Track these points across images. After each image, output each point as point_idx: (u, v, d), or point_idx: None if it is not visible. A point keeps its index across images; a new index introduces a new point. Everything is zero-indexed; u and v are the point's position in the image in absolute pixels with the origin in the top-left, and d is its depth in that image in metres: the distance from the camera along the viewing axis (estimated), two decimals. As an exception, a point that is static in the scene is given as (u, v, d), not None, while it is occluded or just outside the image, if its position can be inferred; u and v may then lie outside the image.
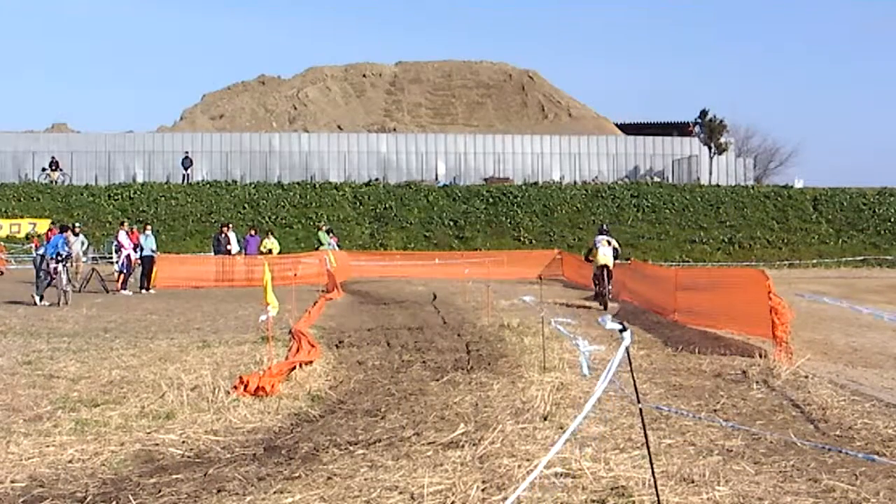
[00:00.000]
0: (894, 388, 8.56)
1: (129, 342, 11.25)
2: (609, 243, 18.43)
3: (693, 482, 4.95)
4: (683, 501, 4.63)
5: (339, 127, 54.05)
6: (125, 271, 21.86)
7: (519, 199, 40.31)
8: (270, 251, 26.35)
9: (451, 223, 39.03)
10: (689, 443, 5.98)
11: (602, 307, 17.26)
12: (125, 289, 21.26)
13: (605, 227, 20.09)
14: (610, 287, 18.11)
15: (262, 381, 7.67)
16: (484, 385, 8.10)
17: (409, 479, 4.95)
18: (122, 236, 22.62)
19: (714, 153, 43.96)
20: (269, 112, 57.02)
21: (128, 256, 21.95)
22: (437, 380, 8.57)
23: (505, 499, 4.63)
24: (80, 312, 15.53)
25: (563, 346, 10.44)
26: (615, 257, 18.57)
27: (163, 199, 39.24)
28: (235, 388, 7.63)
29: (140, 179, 41.93)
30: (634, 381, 4.48)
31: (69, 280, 18.07)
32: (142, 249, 22.00)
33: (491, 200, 40.17)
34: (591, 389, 7.88)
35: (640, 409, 4.50)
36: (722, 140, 44.16)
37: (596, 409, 6.93)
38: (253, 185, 41.01)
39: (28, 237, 35.29)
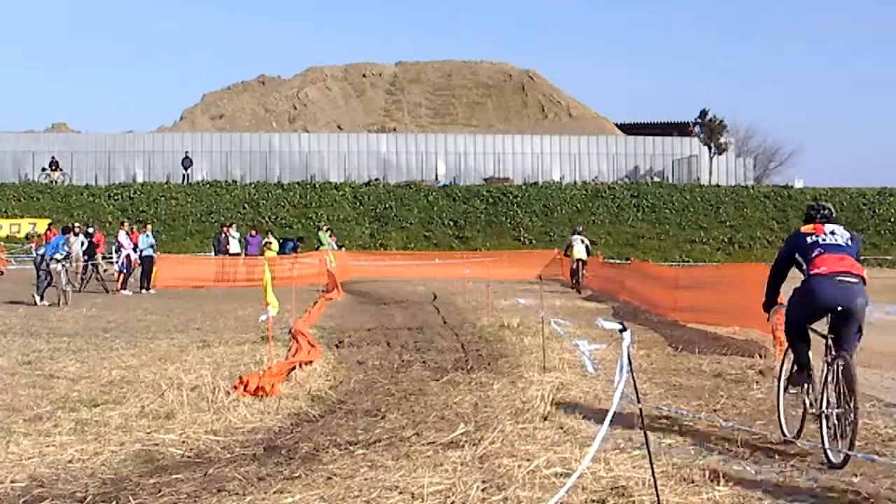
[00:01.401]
0: (894, 388, 8.57)
1: (129, 342, 11.25)
2: (582, 241, 22.90)
3: (693, 482, 4.95)
4: (683, 501, 4.63)
5: (339, 127, 54.05)
6: (125, 271, 21.87)
7: (519, 199, 40.31)
8: (269, 245, 26.52)
9: (451, 223, 39.02)
10: (690, 443, 5.98)
11: (577, 292, 21.59)
12: (125, 289, 21.27)
13: (579, 228, 24.86)
14: (583, 274, 22.64)
15: (262, 381, 7.67)
16: (484, 385, 8.10)
17: (409, 479, 4.95)
18: (122, 236, 22.62)
19: (714, 153, 43.93)
20: (269, 112, 57.01)
21: (128, 256, 21.95)
22: (437, 380, 8.57)
23: (506, 499, 4.63)
24: (80, 312, 15.53)
25: (562, 346, 10.43)
26: (588, 253, 23.10)
27: (163, 199, 39.25)
28: (235, 388, 7.63)
29: (140, 179, 41.92)
30: (634, 381, 4.48)
31: (69, 280, 18.07)
32: (141, 249, 22.00)
33: (491, 200, 40.17)
34: (592, 389, 7.89)
35: (640, 409, 4.50)
36: (722, 140, 44.13)
37: (596, 409, 6.93)
38: (253, 185, 41.01)
39: (28, 237, 35.29)
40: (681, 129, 49.27)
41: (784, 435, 6.01)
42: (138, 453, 5.76)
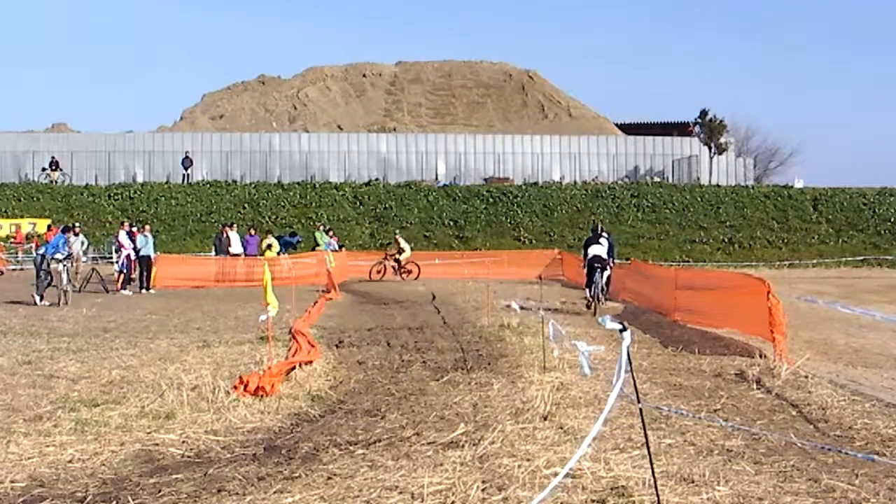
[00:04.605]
0: (894, 388, 8.57)
1: (129, 342, 11.25)
2: (405, 241, 28.30)
3: (693, 482, 4.95)
4: (683, 501, 4.63)
5: (339, 127, 54.04)
6: (125, 271, 21.87)
7: (519, 199, 40.31)
8: (270, 246, 26.53)
9: (451, 223, 39.03)
10: (689, 443, 5.98)
11: (414, 279, 26.57)
12: (125, 289, 21.27)
13: (397, 231, 31.65)
14: (412, 265, 27.65)
15: (262, 381, 7.66)
16: (484, 385, 8.10)
17: (409, 479, 4.95)
18: (123, 236, 22.62)
19: (714, 153, 43.94)
20: (269, 112, 57.00)
21: (128, 256, 21.95)
22: (437, 380, 8.57)
23: (506, 499, 4.63)
24: (80, 312, 15.52)
25: (562, 345, 10.42)
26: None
27: (163, 199, 39.24)
28: (235, 388, 7.62)
29: (140, 179, 41.92)
30: (634, 380, 4.47)
31: (69, 280, 18.07)
32: (138, 250, 22.02)
33: (491, 200, 40.17)
34: (591, 389, 7.88)
35: (640, 409, 4.50)
36: (722, 140, 44.13)
37: (595, 409, 6.93)
38: (253, 185, 41.00)
39: (28, 237, 35.27)
40: (681, 129, 49.28)
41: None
42: (138, 453, 5.76)
